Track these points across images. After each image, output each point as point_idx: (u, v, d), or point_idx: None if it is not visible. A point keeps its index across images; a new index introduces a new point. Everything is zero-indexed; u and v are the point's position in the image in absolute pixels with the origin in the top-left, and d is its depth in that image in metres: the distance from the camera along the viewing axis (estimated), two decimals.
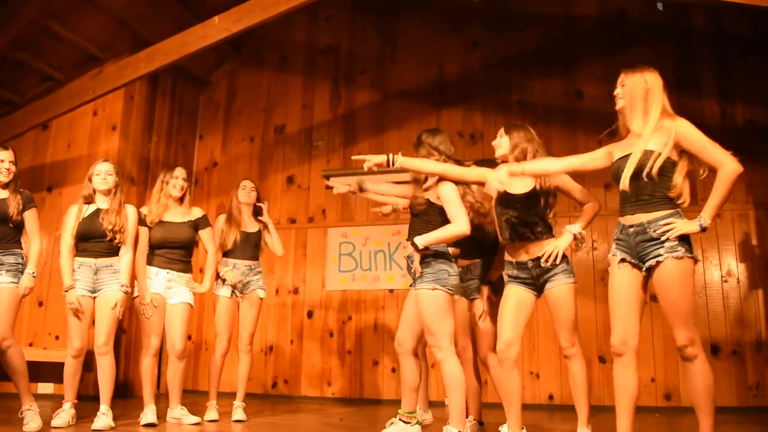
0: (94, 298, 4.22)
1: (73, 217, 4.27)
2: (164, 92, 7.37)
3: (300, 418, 5.11)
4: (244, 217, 4.94)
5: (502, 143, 3.56)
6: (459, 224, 3.44)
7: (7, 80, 6.76)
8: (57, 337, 6.23)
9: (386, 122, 7.22)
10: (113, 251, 4.27)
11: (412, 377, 3.71)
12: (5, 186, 4.13)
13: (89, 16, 6.46)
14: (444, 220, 3.52)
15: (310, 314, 6.98)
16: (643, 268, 2.91)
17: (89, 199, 4.34)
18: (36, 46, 6.51)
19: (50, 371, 5.97)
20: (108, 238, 4.21)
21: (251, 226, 4.95)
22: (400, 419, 3.70)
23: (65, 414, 4.05)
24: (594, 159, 3.14)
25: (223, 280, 4.77)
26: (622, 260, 2.97)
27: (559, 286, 3.36)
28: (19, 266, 4.06)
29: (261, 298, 4.90)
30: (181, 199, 4.65)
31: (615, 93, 3.11)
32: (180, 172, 4.64)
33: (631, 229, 2.94)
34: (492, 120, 6.82)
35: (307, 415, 5.30)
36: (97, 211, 4.29)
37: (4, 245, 4.04)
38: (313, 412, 5.55)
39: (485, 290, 3.89)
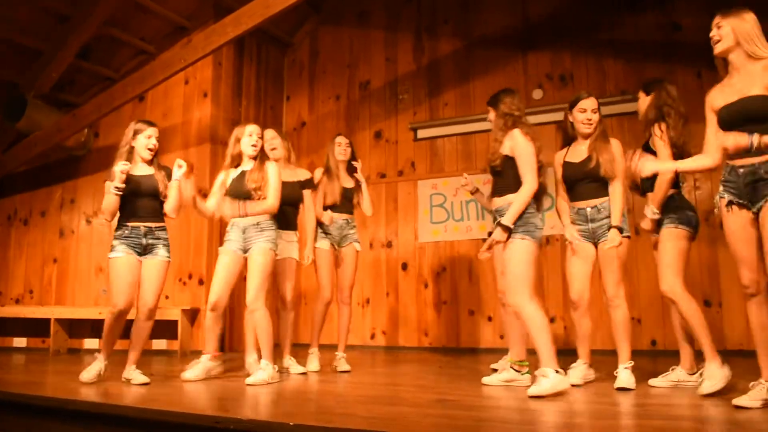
0: (246, 257, 4.21)
1: (217, 185, 4.35)
2: (250, 57, 7.50)
3: (400, 367, 5.23)
4: (340, 172, 5.02)
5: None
6: (528, 183, 3.53)
7: (103, 57, 7.09)
8: (167, 297, 6.59)
9: (471, 70, 7.09)
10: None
11: (519, 325, 3.73)
12: (150, 162, 4.19)
13: None
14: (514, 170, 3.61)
15: (404, 267, 7.06)
16: (753, 209, 2.83)
17: (236, 161, 4.33)
18: (127, 21, 6.77)
19: (162, 329, 6.34)
20: (252, 198, 4.18)
21: (347, 182, 5.03)
22: (511, 367, 3.75)
23: (200, 366, 4.19)
24: (714, 132, 3.01)
25: (324, 234, 4.91)
26: (730, 203, 2.90)
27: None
28: (168, 240, 4.20)
29: (357, 251, 5.01)
30: (288, 159, 4.85)
31: (712, 35, 2.99)
32: (268, 133, 4.77)
33: (741, 170, 2.85)
34: (582, 61, 6.58)
35: (407, 365, 5.40)
36: (243, 173, 4.27)
37: (159, 220, 4.17)
38: (412, 361, 5.66)
39: None
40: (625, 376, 3.53)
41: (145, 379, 4.00)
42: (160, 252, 4.12)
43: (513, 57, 6.88)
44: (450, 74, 7.21)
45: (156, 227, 4.14)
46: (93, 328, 6.88)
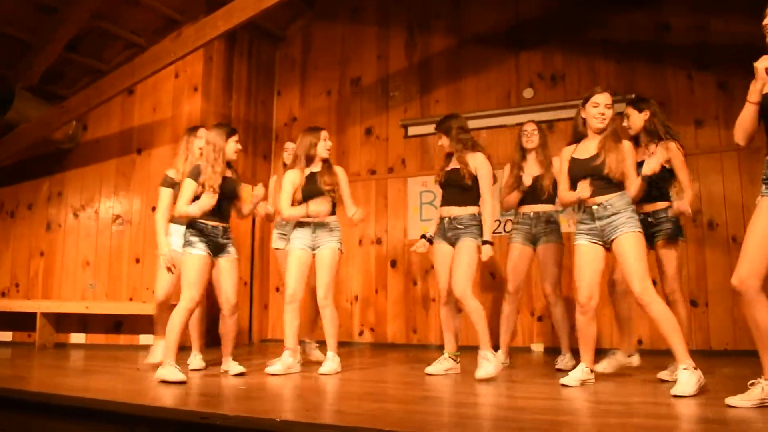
0: (314, 254, 4.48)
1: (289, 184, 4.48)
2: (241, 51, 7.47)
3: (388, 364, 5.23)
4: None
5: None
6: (490, 201, 4.22)
7: (93, 49, 7.02)
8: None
9: (463, 68, 7.08)
10: (329, 212, 4.49)
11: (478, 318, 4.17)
12: (229, 166, 4.28)
13: None
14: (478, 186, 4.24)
15: (393, 264, 7.06)
16: None
17: (310, 161, 4.52)
18: (117, 14, 6.71)
19: (150, 324, 6.29)
20: (326, 198, 4.43)
21: None
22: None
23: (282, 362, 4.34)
24: None
25: (282, 234, 5.11)
26: None
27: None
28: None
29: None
30: None
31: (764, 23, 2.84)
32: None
33: None
34: (573, 60, 6.58)
35: (396, 362, 5.41)
36: (312, 174, 4.50)
37: (228, 221, 4.29)
38: (401, 359, 5.66)
39: None
40: (685, 378, 3.20)
41: (241, 368, 4.25)
42: (232, 250, 4.29)
43: (505, 55, 6.88)
44: (441, 72, 7.20)
45: (228, 228, 4.29)
46: (80, 322, 6.83)
